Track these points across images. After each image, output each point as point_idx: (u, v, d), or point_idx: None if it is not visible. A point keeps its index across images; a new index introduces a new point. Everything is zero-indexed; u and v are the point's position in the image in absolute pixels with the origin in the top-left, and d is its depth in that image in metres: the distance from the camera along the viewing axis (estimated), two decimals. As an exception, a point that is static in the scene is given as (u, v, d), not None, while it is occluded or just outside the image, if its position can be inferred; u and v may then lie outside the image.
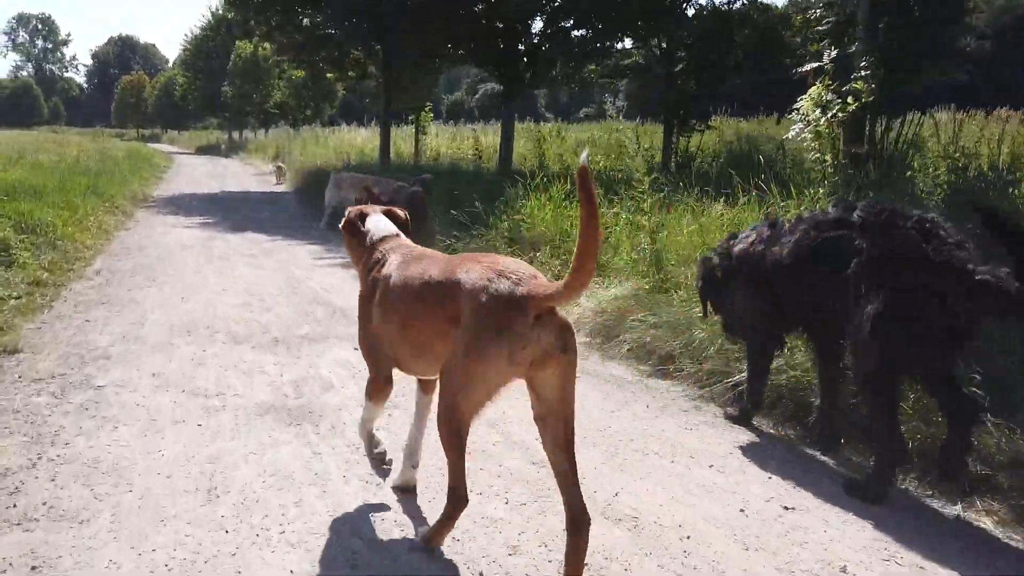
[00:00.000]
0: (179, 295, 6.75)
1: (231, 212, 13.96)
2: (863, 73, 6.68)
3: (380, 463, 3.28)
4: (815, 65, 7.21)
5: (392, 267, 2.80)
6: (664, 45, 13.20)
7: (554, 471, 2.45)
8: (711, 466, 3.46)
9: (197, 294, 6.82)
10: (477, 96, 56.98)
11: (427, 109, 22.88)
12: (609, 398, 4.40)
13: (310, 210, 14.17)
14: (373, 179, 10.91)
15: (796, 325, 3.89)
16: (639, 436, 3.80)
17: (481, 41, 17.11)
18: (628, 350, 5.22)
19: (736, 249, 4.00)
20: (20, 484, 3.02)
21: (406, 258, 2.82)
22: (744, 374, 4.17)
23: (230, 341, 5.29)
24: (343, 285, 7.37)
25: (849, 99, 6.70)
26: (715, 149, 13.42)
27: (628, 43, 16.24)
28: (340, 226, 3.22)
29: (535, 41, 17.11)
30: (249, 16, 19.87)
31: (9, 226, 8.03)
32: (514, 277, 2.28)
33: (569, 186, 8.17)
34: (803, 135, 7.10)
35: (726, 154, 12.73)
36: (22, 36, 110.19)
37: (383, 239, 3.03)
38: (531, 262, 7.44)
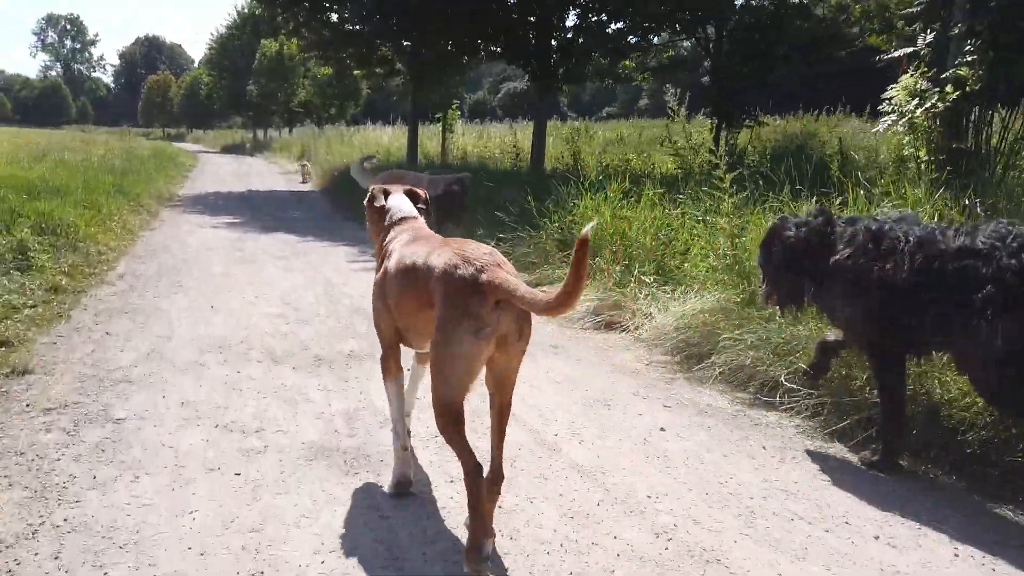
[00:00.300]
0: (208, 303, 6.09)
1: (259, 212, 13.35)
2: (968, 58, 5.88)
3: (402, 479, 2.92)
4: (908, 50, 6.41)
5: (396, 247, 2.85)
6: (710, 35, 12.36)
7: (491, 429, 2.53)
8: (877, 537, 2.71)
9: (228, 302, 6.15)
10: (499, 95, 56.16)
11: (454, 107, 22.22)
12: (715, 436, 3.65)
13: (339, 210, 13.54)
14: (428, 177, 10.24)
15: (921, 346, 3.28)
16: (772, 492, 3.05)
17: (512, 36, 16.38)
18: (720, 374, 4.47)
19: (835, 260, 3.37)
20: (15, 565, 2.33)
21: (409, 239, 2.85)
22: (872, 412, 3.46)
23: (267, 360, 4.60)
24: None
25: (948, 87, 5.90)
26: (763, 146, 12.60)
27: (663, 37, 15.41)
28: (364, 203, 3.24)
29: (568, 36, 16.35)
30: (276, 12, 19.26)
31: (28, 227, 7.43)
32: (477, 264, 2.33)
33: (627, 184, 7.43)
34: (895, 128, 6.30)
35: (772, 151, 11.95)
36: (51, 36, 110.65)
37: (402, 219, 3.06)
38: (590, 269, 6.70)
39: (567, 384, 4.35)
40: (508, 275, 2.30)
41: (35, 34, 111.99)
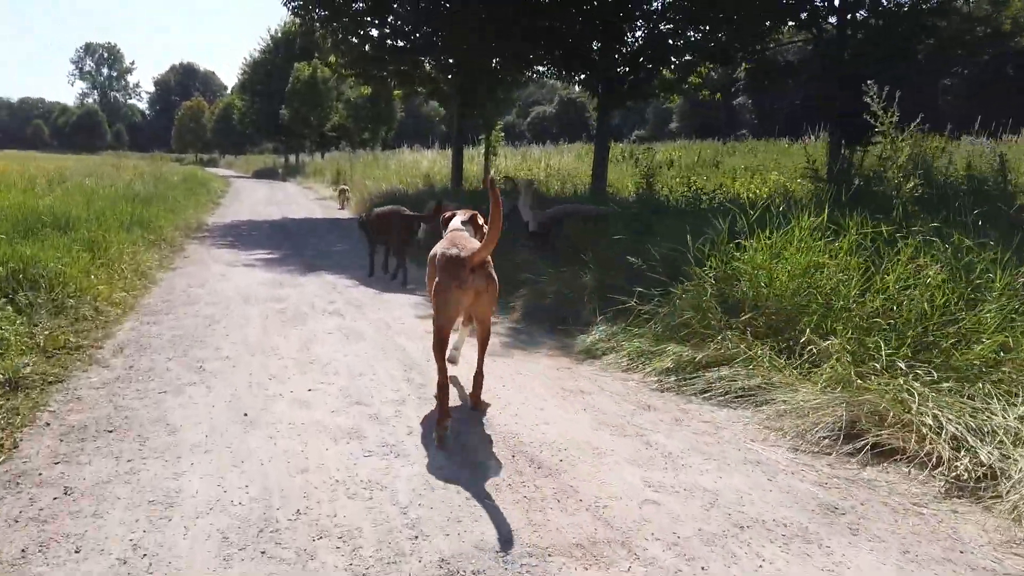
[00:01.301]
0: (240, 406, 3.84)
1: (298, 244, 11.18)
2: None
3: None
4: None
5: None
6: (828, 32, 10.05)
7: (477, 348, 3.84)
8: None
9: (269, 404, 3.89)
10: (529, 119, 53.95)
11: (498, 128, 20.16)
12: None
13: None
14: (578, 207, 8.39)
15: None
16: None
17: (572, 48, 14.20)
18: None
19: None
20: None
21: (445, 239, 3.89)
22: None
23: (353, 579, 2.30)
24: (503, 382, 4.38)
25: None
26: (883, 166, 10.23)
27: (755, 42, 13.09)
28: (440, 220, 4.36)
29: (638, 45, 14.16)
30: (315, 28, 17.28)
31: (-6, 281, 5.24)
32: (461, 246, 3.59)
33: (824, 220, 5.12)
34: None
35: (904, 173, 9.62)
36: (88, 64, 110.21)
37: (452, 230, 4.04)
38: (796, 352, 4.35)
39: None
40: (477, 253, 3.49)
41: (73, 62, 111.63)
